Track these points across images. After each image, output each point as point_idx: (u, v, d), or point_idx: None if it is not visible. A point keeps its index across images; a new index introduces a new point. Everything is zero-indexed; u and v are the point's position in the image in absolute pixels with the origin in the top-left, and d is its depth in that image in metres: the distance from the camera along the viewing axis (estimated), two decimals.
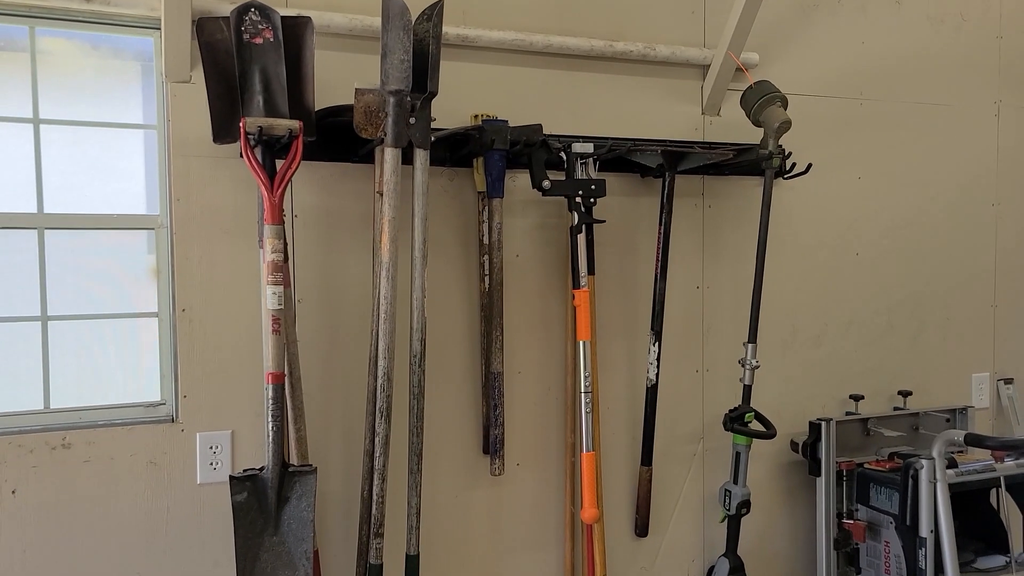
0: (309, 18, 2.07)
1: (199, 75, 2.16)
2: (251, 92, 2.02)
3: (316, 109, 2.12)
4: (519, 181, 2.48)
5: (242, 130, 1.94)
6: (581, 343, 2.36)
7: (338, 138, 2.21)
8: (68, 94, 2.18)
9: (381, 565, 2.10)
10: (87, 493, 2.11)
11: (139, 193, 2.24)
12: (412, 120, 2.03)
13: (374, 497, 2.09)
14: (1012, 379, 3.26)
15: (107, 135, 2.21)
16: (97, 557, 2.13)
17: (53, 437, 2.09)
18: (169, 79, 2.15)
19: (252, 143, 1.98)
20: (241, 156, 2.18)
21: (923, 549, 2.49)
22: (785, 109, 2.51)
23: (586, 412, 2.36)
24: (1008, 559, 2.69)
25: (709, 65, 2.68)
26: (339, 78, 2.25)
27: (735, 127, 2.73)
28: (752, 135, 2.65)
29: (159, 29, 2.15)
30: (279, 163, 2.04)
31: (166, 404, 2.21)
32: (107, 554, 2.13)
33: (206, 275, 2.19)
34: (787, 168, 2.69)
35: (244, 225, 2.21)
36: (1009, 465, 2.63)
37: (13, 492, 2.05)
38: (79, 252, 2.18)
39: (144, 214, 2.22)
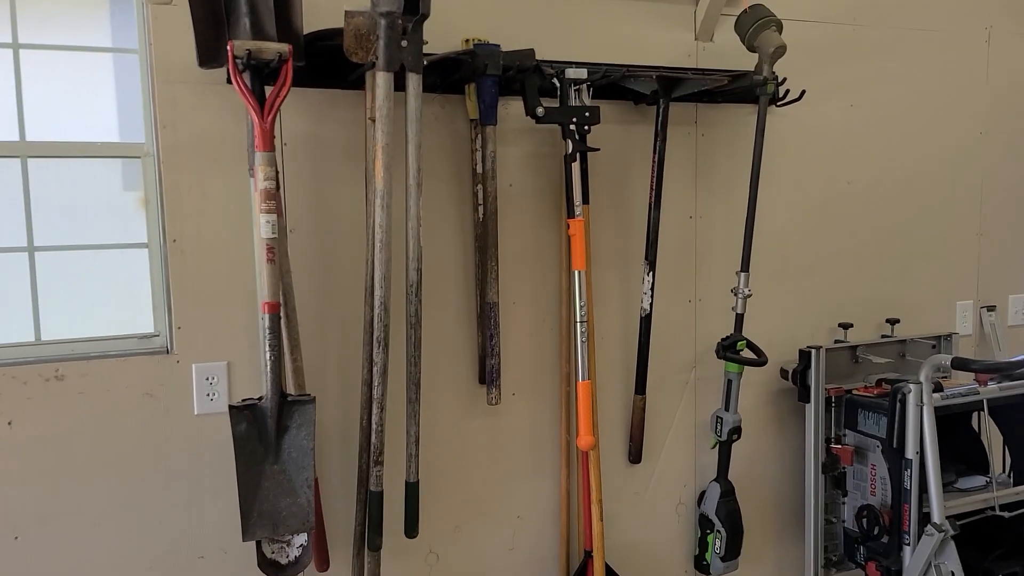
0: None
1: None
2: (237, 14, 1.96)
3: (304, 33, 2.06)
4: (511, 109, 2.45)
5: (230, 54, 1.89)
6: (576, 273, 2.35)
7: (327, 63, 2.15)
8: (38, 19, 2.10)
9: (381, 492, 2.13)
10: (84, 425, 2.11)
11: (111, 121, 2.18)
12: (404, 43, 1.98)
13: (373, 426, 2.10)
14: (995, 306, 3.30)
15: (76, 62, 2.13)
16: (96, 488, 2.13)
17: (46, 369, 2.07)
18: (150, 1, 2.08)
19: (240, 67, 1.93)
20: (228, 82, 2.13)
21: (908, 470, 2.54)
22: (780, 34, 2.47)
23: (582, 341, 2.36)
24: (988, 479, 2.75)
25: None
26: (325, 0, 2.18)
27: (728, 54, 2.69)
28: (746, 63, 2.62)
29: None
30: (268, 89, 1.99)
31: (160, 335, 2.20)
32: (106, 485, 2.14)
33: (196, 205, 2.15)
34: (781, 95, 2.66)
35: (233, 153, 2.17)
36: (992, 389, 2.67)
37: (9, 423, 2.04)
38: (56, 182, 2.13)
39: (129, 142, 2.17)
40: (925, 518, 2.54)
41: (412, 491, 2.19)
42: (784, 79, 2.56)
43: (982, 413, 2.79)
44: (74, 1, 2.15)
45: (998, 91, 3.20)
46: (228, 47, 1.88)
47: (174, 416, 2.18)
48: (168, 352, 2.17)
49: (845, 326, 2.93)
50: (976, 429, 2.90)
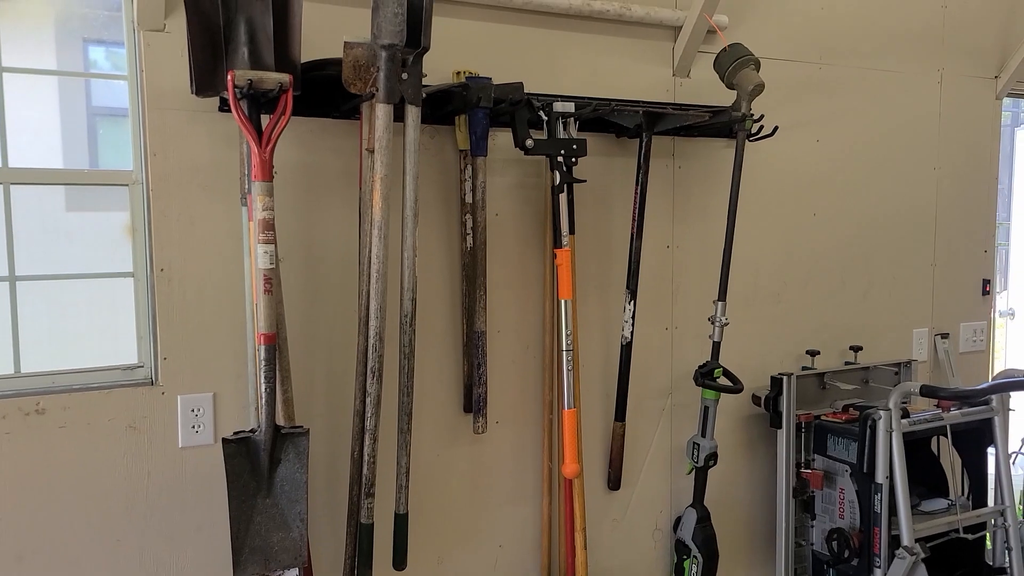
0: None
1: (173, 23, 2.07)
2: (236, 43, 1.94)
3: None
4: (498, 140, 2.47)
5: (230, 83, 1.87)
6: (563, 302, 2.38)
7: (319, 93, 2.15)
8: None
9: (372, 524, 2.10)
10: (64, 460, 2.04)
11: (55, 147, 2.13)
12: (404, 76, 1.99)
13: (365, 457, 2.08)
14: (948, 334, 3.45)
15: (16, 85, 2.07)
16: (76, 524, 2.06)
17: (26, 402, 2.00)
18: (142, 28, 2.05)
19: (238, 96, 1.91)
20: (220, 110, 2.11)
21: (879, 494, 2.63)
22: (758, 72, 2.56)
23: (568, 370, 2.39)
24: (949, 502, 2.87)
25: (681, 27, 2.70)
26: (317, 31, 2.18)
27: (704, 89, 2.77)
28: (720, 98, 2.70)
29: None
30: (264, 119, 1.98)
31: (144, 367, 2.15)
32: (86, 521, 2.07)
33: (185, 233, 2.12)
34: (756, 131, 2.75)
35: (223, 181, 2.14)
36: (955, 415, 2.79)
37: None
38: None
39: (115, 170, 2.13)
40: (893, 540, 2.63)
41: (401, 523, 2.17)
42: (763, 115, 2.65)
43: (941, 437, 2.91)
44: (15, 23, 2.09)
45: (949, 129, 3.37)
46: (228, 77, 1.86)
47: (157, 449, 2.13)
48: (153, 383, 2.12)
49: (812, 353, 3.02)
50: (935, 453, 3.02)
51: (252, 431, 1.98)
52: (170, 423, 2.13)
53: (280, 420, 2.10)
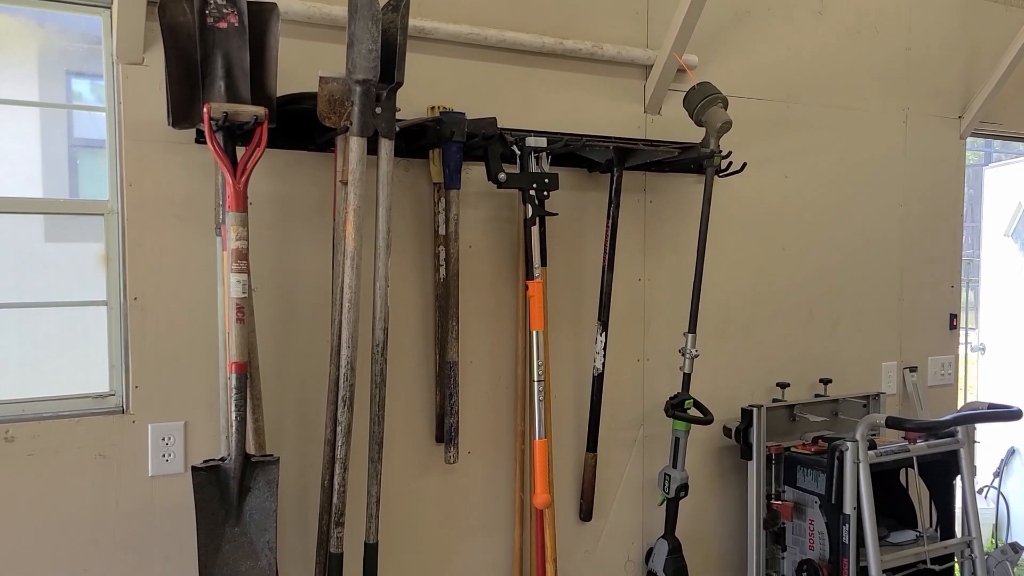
0: (275, 4, 2.04)
1: (151, 57, 2.11)
2: (213, 77, 1.98)
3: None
4: (472, 173, 2.52)
5: (206, 115, 1.91)
6: (534, 333, 2.41)
7: (295, 125, 2.19)
8: None
9: (342, 554, 2.11)
10: (32, 488, 2.03)
11: (35, 177, 2.16)
12: (378, 110, 2.04)
13: (335, 486, 2.09)
14: (916, 367, 3.51)
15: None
16: (42, 554, 2.05)
17: None
18: (121, 61, 2.09)
19: (214, 128, 1.94)
20: (196, 141, 2.15)
21: (847, 525, 2.66)
22: (726, 110, 2.63)
23: (539, 400, 2.41)
24: (918, 533, 2.89)
25: (652, 65, 2.77)
26: (293, 65, 2.23)
27: (674, 126, 2.84)
28: (691, 134, 2.77)
29: (109, 8, 2.09)
30: (239, 150, 2.01)
31: (115, 395, 2.15)
32: (53, 551, 2.06)
33: (159, 262, 2.14)
34: (724, 167, 2.82)
35: (198, 212, 2.17)
36: (921, 447, 2.83)
37: None
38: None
39: (91, 199, 2.15)
40: (862, 572, 2.65)
41: (371, 552, 2.18)
42: (731, 151, 2.71)
43: (910, 469, 2.94)
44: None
45: (914, 167, 3.45)
46: (204, 109, 1.90)
47: (127, 478, 2.13)
48: (123, 412, 2.13)
49: (782, 385, 3.06)
50: (904, 484, 3.05)
51: (222, 459, 1.99)
52: (140, 452, 2.13)
53: (251, 448, 2.11)
